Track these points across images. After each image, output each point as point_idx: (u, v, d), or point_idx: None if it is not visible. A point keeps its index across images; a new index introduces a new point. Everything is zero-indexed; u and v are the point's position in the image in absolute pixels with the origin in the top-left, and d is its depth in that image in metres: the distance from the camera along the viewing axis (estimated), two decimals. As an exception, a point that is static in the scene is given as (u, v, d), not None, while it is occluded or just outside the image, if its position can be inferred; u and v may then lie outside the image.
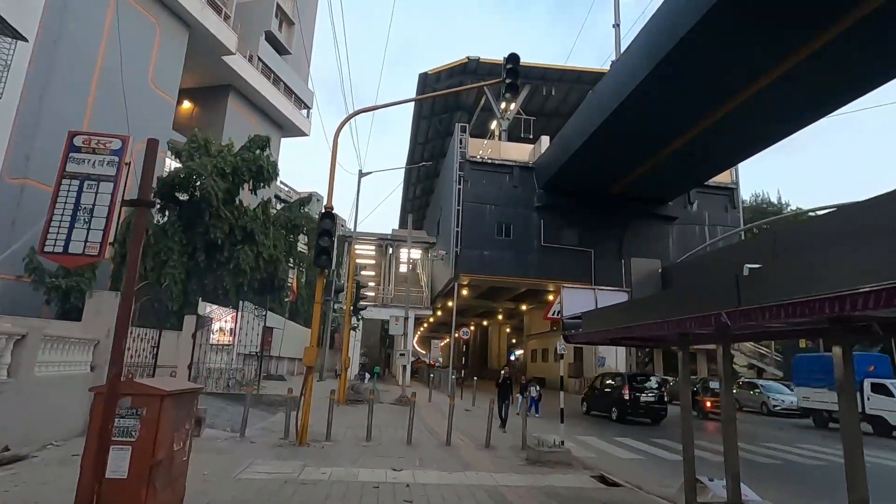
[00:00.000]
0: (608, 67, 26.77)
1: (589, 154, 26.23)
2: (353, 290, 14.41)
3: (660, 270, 5.48)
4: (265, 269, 23.07)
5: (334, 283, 8.46)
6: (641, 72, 19.74)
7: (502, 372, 11.85)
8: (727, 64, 18.25)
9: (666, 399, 17.41)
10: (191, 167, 20.80)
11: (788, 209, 45.18)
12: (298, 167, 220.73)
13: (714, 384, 22.85)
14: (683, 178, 29.46)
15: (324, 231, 8.70)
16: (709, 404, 20.48)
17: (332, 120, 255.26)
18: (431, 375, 18.32)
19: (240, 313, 15.08)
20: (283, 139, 43.03)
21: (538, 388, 13.69)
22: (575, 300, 6.04)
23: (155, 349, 10.71)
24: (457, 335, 23.60)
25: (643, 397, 16.62)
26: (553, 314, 9.11)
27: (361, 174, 15.04)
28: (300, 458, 7.40)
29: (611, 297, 5.92)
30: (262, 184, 23.58)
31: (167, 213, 21.79)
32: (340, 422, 11.65)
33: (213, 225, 21.14)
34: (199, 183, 20.69)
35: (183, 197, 22.40)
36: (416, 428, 11.25)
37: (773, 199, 46.04)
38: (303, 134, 43.21)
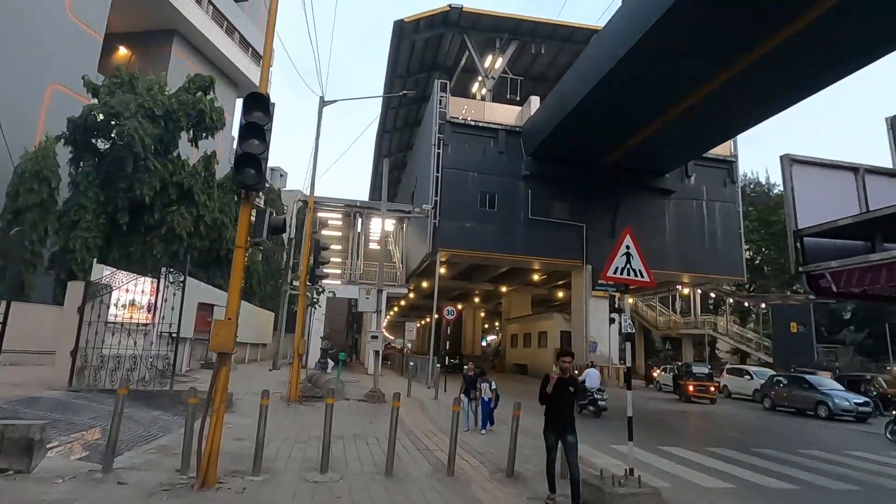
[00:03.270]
0: (602, 25, 23.70)
1: (586, 115, 23.19)
2: (310, 251, 10.90)
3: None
4: (207, 236, 19.19)
5: (268, 217, 5.05)
6: (663, 4, 16.63)
7: (554, 369, 5.78)
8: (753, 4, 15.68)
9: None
10: (109, 104, 16.63)
11: (778, 190, 43.55)
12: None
13: (697, 368, 22.17)
14: (684, 148, 26.85)
15: (251, 127, 5.20)
16: (691, 388, 20.63)
17: (296, 95, 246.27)
18: (411, 364, 15.11)
19: (163, 283, 11.34)
20: (238, 100, 38.45)
21: (493, 385, 9.53)
22: (820, 191, 2.62)
23: (-3, 327, 7.02)
24: (439, 316, 20.33)
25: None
26: (616, 272, 5.88)
27: (323, 102, 11.44)
28: (193, 523, 3.98)
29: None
30: (204, 133, 19.58)
31: (81, 163, 17.58)
32: (286, 432, 8.23)
33: (140, 179, 17.10)
34: (118, 124, 16.57)
35: (104, 146, 18.24)
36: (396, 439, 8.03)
37: (762, 180, 44.31)
38: (262, 94, 38.67)
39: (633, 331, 7.29)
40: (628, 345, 6.25)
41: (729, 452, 8.97)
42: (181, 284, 9.81)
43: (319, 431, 8.17)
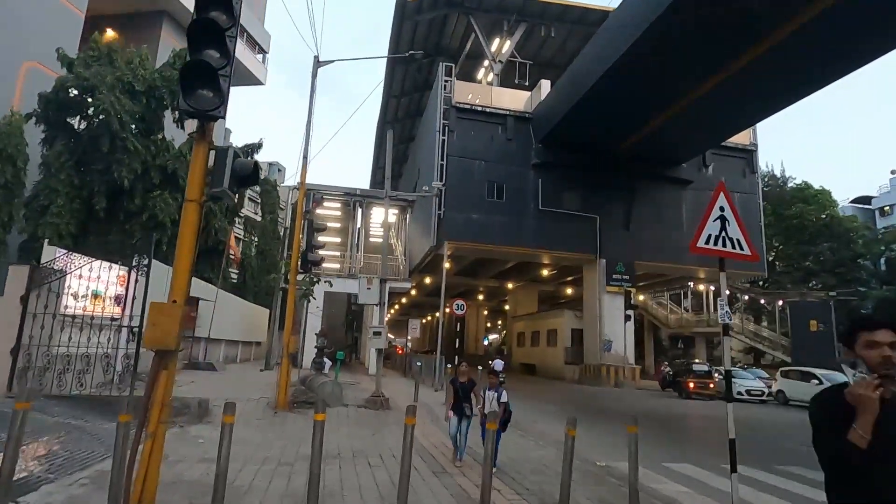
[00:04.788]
0: (614, 7, 22.24)
1: (601, 98, 21.67)
2: (301, 229, 9.37)
3: None
4: (193, 225, 17.62)
5: (231, 159, 3.67)
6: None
7: (858, 376, 1.92)
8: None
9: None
10: (82, 76, 15.08)
11: (793, 183, 42.00)
12: (253, 124, 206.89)
13: (697, 366, 23.13)
14: (703, 135, 25.39)
15: (206, 28, 3.67)
16: (692, 385, 21.33)
17: (295, 93, 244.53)
18: (418, 364, 13.57)
19: (135, 272, 9.79)
20: (232, 88, 36.83)
21: (504, 396, 6.34)
22: None
23: None
24: (448, 310, 18.80)
25: None
26: (708, 242, 4.37)
27: (318, 63, 9.92)
28: None
29: None
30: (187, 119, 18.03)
31: (54, 143, 16.04)
32: (268, 449, 6.69)
33: (118, 161, 15.55)
34: (92, 99, 15.03)
35: (80, 125, 16.72)
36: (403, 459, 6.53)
37: (777, 173, 42.73)
38: (257, 82, 37.28)
39: (731, 320, 5.79)
40: (726, 340, 4.68)
41: (807, 472, 7.43)
42: (144, 268, 8.26)
43: (306, 451, 6.65)
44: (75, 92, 15.63)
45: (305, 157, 9.58)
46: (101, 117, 15.11)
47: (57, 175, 15.06)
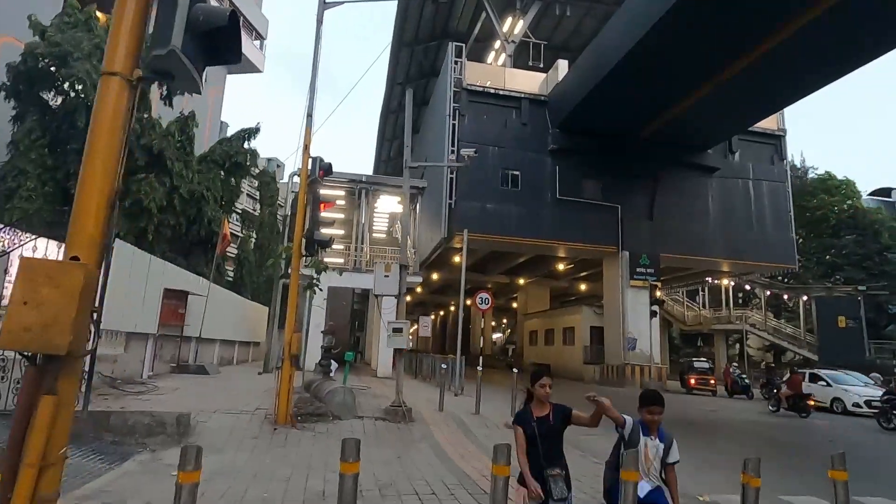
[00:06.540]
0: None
1: (625, 78, 20.07)
2: (305, 204, 7.66)
3: None
4: (183, 212, 15.92)
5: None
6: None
7: None
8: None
9: None
10: (54, 41, 13.33)
11: (814, 173, 40.33)
12: (249, 114, 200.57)
13: (699, 363, 24.38)
14: (729, 119, 23.75)
15: None
16: (693, 381, 22.65)
17: (295, 92, 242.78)
18: (444, 367, 11.80)
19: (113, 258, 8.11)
20: (229, 76, 35.19)
21: (669, 437, 3.24)
22: None
23: None
24: (470, 303, 17.06)
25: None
26: None
27: (324, 4, 8.25)
28: None
29: None
30: (180, 90, 16.32)
31: (25, 119, 14.30)
32: (266, 483, 4.96)
33: (97, 138, 13.77)
34: (65, 69, 13.28)
35: (55, 101, 14.97)
36: (447, 497, 4.90)
37: (797, 163, 41.04)
38: (255, 70, 35.51)
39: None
40: None
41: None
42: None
43: (321, 481, 4.92)
44: (47, 62, 13.88)
45: (310, 116, 7.86)
46: (78, 87, 13.37)
47: (27, 154, 13.32)
